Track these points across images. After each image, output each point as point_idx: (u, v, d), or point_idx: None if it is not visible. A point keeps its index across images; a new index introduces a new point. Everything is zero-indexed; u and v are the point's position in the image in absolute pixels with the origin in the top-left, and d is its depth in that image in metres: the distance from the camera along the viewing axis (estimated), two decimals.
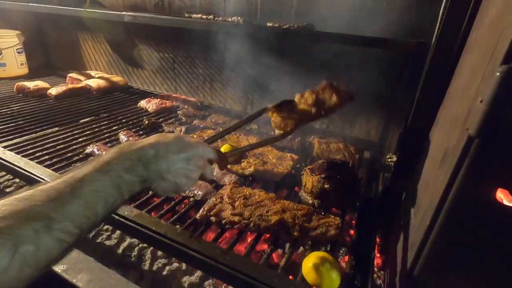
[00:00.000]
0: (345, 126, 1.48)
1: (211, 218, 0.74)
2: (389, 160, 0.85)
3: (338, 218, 0.74)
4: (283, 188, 0.97)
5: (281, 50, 1.46)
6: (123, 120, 1.41)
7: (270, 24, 1.12)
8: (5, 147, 1.05)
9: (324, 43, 1.06)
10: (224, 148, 1.03)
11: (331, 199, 0.81)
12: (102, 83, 1.77)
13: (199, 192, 0.84)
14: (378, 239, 0.88)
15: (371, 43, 0.92)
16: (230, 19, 1.19)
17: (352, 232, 0.93)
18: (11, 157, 0.98)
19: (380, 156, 1.24)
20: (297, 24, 1.08)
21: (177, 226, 0.73)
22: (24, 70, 2.02)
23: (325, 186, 0.78)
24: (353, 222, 0.95)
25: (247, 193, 0.80)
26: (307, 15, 1.29)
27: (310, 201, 0.82)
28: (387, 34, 1.07)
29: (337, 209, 0.85)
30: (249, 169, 0.95)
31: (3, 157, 0.97)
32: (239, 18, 1.16)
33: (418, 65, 1.16)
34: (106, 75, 1.92)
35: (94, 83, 1.74)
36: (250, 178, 1.00)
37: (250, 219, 0.72)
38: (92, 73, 1.97)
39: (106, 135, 1.24)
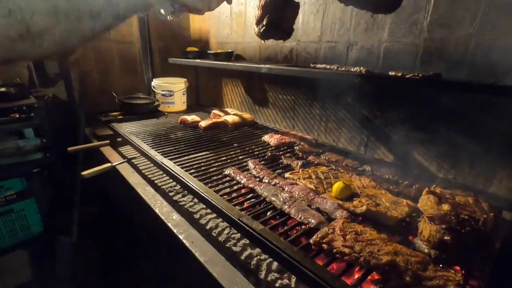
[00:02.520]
0: (478, 179, 1.31)
1: (323, 245, 0.83)
2: None
3: (460, 274, 0.69)
4: (395, 234, 0.96)
5: (400, 97, 1.47)
6: (250, 151, 1.70)
7: (393, 73, 1.19)
8: (174, 162, 1.46)
9: (452, 93, 1.03)
10: (337, 185, 1.12)
11: (451, 253, 0.76)
12: (236, 119, 2.18)
13: (312, 221, 0.95)
14: None
15: None
16: (353, 69, 1.32)
17: None
18: (178, 170, 1.36)
19: None
20: (422, 73, 1.10)
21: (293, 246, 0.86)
22: (184, 106, 2.70)
23: (445, 237, 0.76)
24: (471, 283, 0.84)
25: (359, 229, 0.86)
26: (433, 64, 1.29)
27: (426, 250, 0.80)
28: None
29: (458, 267, 0.79)
30: (361, 207, 1.00)
31: (173, 169, 1.36)
32: (361, 68, 1.27)
33: None
34: (239, 112, 2.35)
35: (230, 118, 2.17)
36: (360, 218, 1.04)
37: (360, 254, 0.77)
38: (229, 110, 2.44)
39: (238, 161, 1.53)
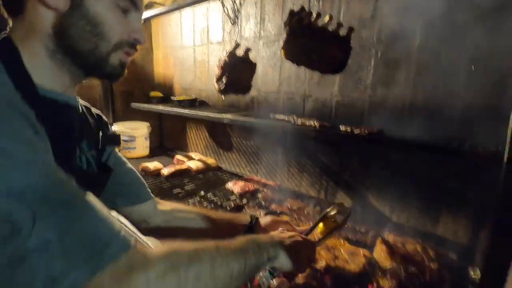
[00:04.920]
0: (426, 222, 1.41)
1: None
2: (473, 276, 0.80)
3: None
4: (355, 286, 0.99)
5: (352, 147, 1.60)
6: (215, 200, 1.68)
7: (343, 128, 1.29)
8: None
9: (393, 151, 1.15)
10: None
11: None
12: (199, 165, 2.16)
13: (273, 281, 0.94)
14: None
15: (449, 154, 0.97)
16: (307, 123, 1.41)
17: None
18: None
19: (469, 264, 1.12)
20: (368, 130, 1.22)
21: None
22: (147, 151, 2.63)
23: None
24: None
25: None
26: (379, 118, 1.43)
27: None
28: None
29: None
30: (321, 263, 1.02)
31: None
32: (315, 122, 1.37)
33: None
34: (203, 158, 2.34)
35: (193, 165, 2.15)
36: (320, 272, 1.05)
37: None
38: (193, 155, 2.42)
39: None
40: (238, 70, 1.32)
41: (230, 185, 1.84)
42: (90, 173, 0.73)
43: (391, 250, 1.03)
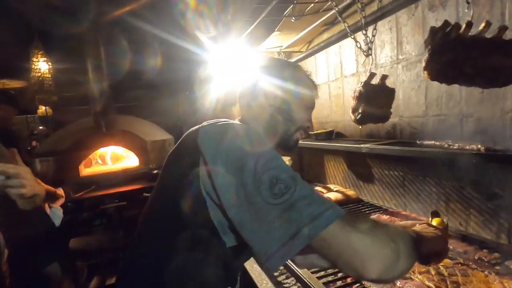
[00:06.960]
0: None
1: None
2: None
3: None
4: None
5: None
6: None
7: None
8: None
9: None
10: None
11: None
12: (339, 196, 2.16)
13: None
14: None
15: None
16: (468, 147, 1.19)
17: None
18: None
19: None
20: None
21: None
22: None
23: None
24: None
25: None
26: None
27: None
28: None
29: None
30: None
31: None
32: (479, 146, 1.14)
33: None
34: (342, 189, 2.32)
35: (333, 196, 2.16)
36: None
37: None
38: (332, 186, 2.45)
39: None
40: (374, 99, 1.31)
41: (373, 218, 1.73)
42: None
43: None
